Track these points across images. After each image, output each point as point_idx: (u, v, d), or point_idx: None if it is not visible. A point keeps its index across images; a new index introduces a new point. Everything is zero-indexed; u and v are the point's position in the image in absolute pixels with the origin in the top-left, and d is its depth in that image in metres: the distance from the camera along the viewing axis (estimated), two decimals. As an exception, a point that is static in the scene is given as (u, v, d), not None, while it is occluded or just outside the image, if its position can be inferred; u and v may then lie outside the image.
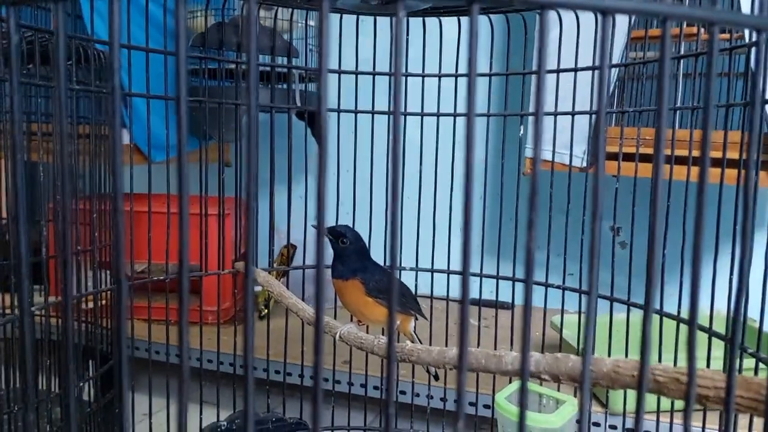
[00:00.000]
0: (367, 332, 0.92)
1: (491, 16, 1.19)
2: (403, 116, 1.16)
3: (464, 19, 1.16)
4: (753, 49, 0.94)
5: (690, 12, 0.26)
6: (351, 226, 1.22)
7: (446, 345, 1.26)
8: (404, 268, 1.27)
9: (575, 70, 1.06)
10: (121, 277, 0.26)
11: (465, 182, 0.26)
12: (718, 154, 0.96)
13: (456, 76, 1.18)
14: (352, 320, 0.99)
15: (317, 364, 0.28)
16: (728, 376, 0.29)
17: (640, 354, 0.27)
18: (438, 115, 1.19)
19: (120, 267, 0.28)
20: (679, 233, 0.94)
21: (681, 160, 0.97)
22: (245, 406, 0.28)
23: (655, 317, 1.01)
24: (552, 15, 1.14)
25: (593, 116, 1.22)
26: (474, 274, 1.20)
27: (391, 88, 1.15)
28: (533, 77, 1.28)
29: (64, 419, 1.07)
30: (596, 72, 1.02)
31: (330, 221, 1.19)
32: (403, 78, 1.17)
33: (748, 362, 0.87)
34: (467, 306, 0.24)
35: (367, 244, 1.07)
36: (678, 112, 1.00)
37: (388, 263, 1.22)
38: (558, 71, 1.08)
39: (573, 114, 1.08)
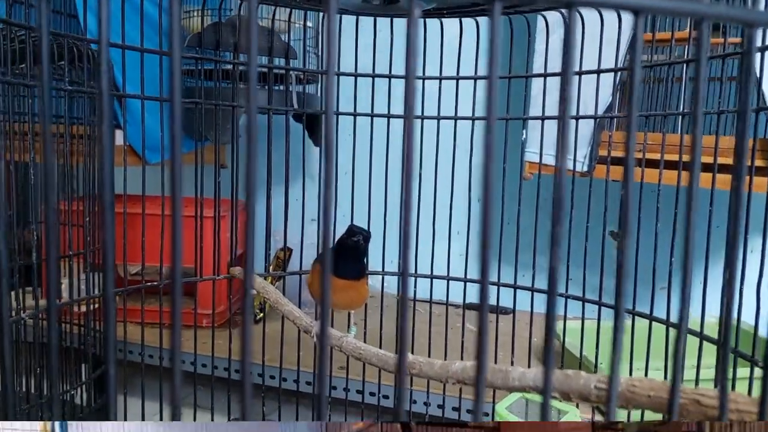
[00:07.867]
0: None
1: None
2: (406, 120, 1.14)
3: (466, 21, 1.13)
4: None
5: (727, 12, 0.24)
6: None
7: (446, 348, 1.24)
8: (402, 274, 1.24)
9: (579, 73, 1.04)
10: (108, 296, 0.24)
11: (483, 197, 0.24)
12: (727, 160, 0.95)
13: (457, 78, 1.15)
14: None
15: (321, 389, 0.26)
16: (761, 403, 0.27)
17: (671, 380, 0.25)
18: (438, 118, 1.17)
19: (108, 281, 0.26)
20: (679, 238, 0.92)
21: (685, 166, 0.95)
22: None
23: (644, 322, 1.01)
24: (555, 16, 1.13)
25: (596, 120, 1.20)
26: (473, 281, 1.18)
27: (390, 91, 1.14)
28: (534, 80, 1.26)
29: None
30: (601, 75, 1.00)
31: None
32: (403, 80, 1.14)
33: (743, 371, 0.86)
34: (486, 339, 0.23)
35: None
36: (683, 117, 0.98)
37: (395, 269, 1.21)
38: (566, 73, 1.06)
39: (577, 119, 1.05)
